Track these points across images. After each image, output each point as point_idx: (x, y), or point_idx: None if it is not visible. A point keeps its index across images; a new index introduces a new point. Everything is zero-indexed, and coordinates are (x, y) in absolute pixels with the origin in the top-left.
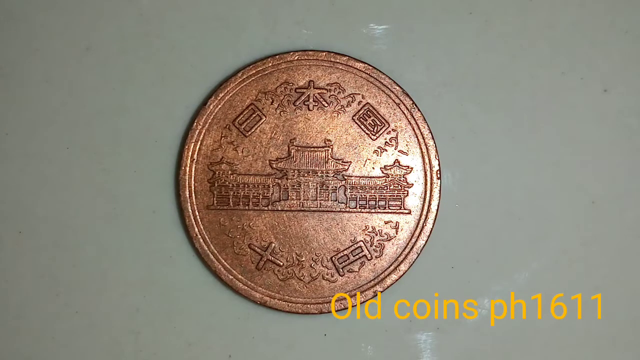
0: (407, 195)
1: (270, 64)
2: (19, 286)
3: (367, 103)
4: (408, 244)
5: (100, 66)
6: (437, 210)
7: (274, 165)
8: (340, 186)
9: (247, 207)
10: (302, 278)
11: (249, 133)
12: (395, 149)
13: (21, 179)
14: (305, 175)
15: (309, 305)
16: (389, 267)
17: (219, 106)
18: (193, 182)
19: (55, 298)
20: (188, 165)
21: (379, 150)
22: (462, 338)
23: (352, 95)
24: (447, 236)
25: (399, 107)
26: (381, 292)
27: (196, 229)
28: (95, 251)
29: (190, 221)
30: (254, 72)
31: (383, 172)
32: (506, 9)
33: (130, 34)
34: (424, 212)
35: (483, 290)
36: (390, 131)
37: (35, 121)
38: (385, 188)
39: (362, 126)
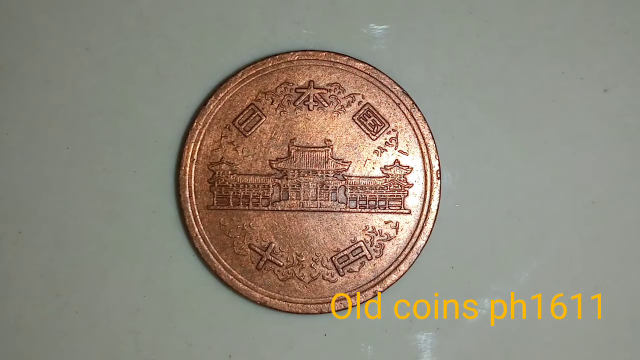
0: (407, 195)
1: (270, 64)
2: (19, 286)
3: (367, 103)
4: (408, 244)
5: (100, 66)
6: (437, 210)
7: (274, 165)
8: (340, 186)
9: (247, 207)
10: (302, 278)
11: (249, 133)
12: (395, 149)
13: (21, 179)
14: (305, 175)
15: (309, 305)
16: (389, 267)
17: (219, 106)
18: (193, 182)
19: (55, 298)
20: (188, 165)
21: (379, 150)
22: (462, 338)
23: (352, 95)
24: (447, 236)
25: (399, 107)
26: (381, 292)
27: (196, 229)
28: (95, 251)
29: (190, 221)
30: (254, 72)
31: (383, 172)
32: (506, 9)
33: (130, 34)
34: (424, 212)
35: (483, 290)
36: (390, 131)
37: (35, 121)
38: (385, 188)
39: (362, 126)
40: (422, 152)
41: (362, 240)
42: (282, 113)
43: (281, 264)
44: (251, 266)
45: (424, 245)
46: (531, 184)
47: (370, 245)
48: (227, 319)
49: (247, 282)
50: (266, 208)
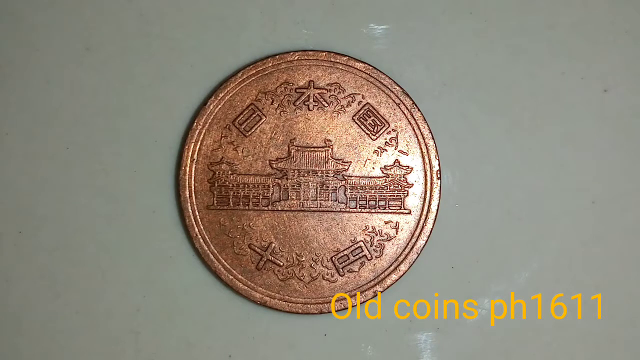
0: (407, 195)
1: (270, 64)
2: (19, 286)
3: (367, 103)
4: (408, 244)
5: (100, 66)
6: (437, 210)
7: (274, 165)
8: (340, 186)
9: (247, 207)
10: (302, 278)
11: (249, 133)
12: (395, 149)
13: (21, 179)
14: (305, 175)
15: (309, 305)
16: (389, 267)
17: (219, 106)
18: (193, 182)
19: (55, 298)
20: (188, 165)
21: (379, 150)
22: (462, 338)
23: (352, 95)
24: (447, 236)
25: (399, 107)
26: (381, 292)
27: (196, 229)
28: (95, 251)
29: (190, 221)
30: (254, 72)
31: (383, 172)
32: (506, 9)
33: (130, 34)
34: (424, 212)
35: (483, 290)
36: (390, 131)
37: (35, 121)
38: (385, 188)
39: (362, 126)
40: (422, 152)
41: (362, 240)
42: (282, 113)
43: (281, 264)
44: (251, 266)
45: (424, 245)
46: (531, 184)
47: (370, 245)
48: (227, 319)
49: (247, 282)
50: (266, 208)
